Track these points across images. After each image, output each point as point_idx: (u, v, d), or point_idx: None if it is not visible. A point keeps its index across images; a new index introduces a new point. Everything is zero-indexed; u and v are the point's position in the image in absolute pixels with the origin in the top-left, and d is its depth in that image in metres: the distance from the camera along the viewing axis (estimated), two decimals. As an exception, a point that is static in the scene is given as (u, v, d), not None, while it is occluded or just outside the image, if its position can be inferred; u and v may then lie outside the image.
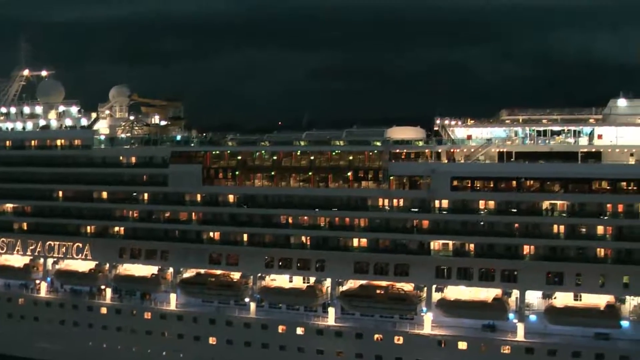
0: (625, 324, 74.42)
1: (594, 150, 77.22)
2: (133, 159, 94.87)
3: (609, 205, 74.41)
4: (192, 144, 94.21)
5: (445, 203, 79.51)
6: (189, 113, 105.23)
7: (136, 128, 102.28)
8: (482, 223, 78.46)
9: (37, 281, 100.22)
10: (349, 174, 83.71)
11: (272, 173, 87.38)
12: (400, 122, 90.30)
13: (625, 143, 76.39)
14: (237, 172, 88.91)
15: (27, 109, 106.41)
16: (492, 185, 78.02)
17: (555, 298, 77.08)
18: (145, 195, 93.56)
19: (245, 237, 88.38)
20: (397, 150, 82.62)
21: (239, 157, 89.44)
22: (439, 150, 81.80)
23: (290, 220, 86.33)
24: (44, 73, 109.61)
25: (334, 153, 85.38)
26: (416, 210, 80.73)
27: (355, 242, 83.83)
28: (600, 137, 77.72)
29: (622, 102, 79.22)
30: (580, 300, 76.44)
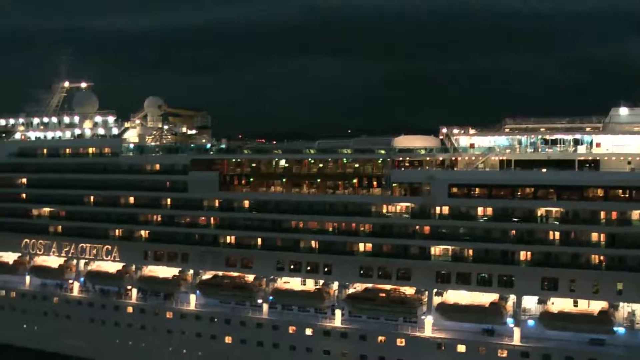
0: (620, 330, 75.19)
1: (590, 158, 78.32)
2: (157, 166, 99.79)
3: (602, 213, 75.43)
4: (211, 152, 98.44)
5: (444, 209, 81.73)
6: (218, 122, 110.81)
7: (167, 136, 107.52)
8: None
9: (70, 281, 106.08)
10: (355, 181, 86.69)
11: (284, 180, 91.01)
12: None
13: (622, 151, 77.32)
14: (251, 179, 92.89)
15: (66, 119, 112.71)
16: (488, 193, 79.84)
17: (552, 304, 78.33)
18: (168, 200, 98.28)
19: (259, 241, 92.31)
20: (400, 159, 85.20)
21: (253, 165, 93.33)
22: (441, 159, 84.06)
23: (300, 225, 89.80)
24: (83, 85, 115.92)
25: (344, 161, 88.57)
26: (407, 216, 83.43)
27: (361, 246, 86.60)
28: (598, 145, 78.80)
29: (623, 111, 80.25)
30: (577, 306, 77.55)
